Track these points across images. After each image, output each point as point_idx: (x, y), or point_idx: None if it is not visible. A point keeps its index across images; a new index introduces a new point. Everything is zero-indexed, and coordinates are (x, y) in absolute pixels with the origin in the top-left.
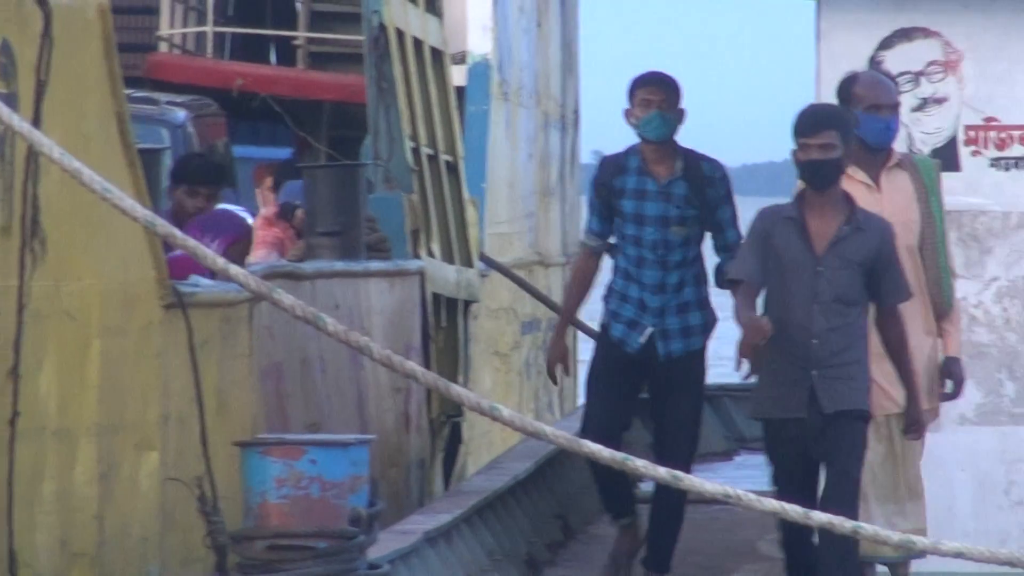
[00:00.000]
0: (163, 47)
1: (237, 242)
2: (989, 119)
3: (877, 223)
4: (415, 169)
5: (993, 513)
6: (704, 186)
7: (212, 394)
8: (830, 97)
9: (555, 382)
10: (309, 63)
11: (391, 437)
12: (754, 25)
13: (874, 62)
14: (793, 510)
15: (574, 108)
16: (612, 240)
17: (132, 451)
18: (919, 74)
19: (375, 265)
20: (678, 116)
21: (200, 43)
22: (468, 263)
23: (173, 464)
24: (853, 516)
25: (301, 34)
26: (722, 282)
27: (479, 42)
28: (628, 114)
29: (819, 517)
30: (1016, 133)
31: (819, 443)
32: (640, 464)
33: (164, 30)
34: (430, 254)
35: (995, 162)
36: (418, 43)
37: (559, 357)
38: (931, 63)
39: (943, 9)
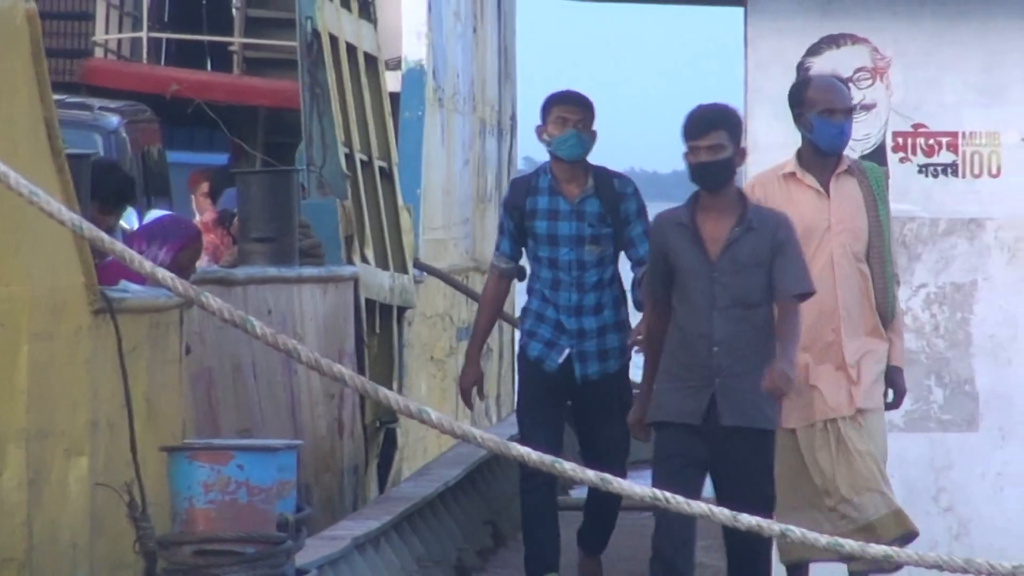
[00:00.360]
0: (98, 52)
1: (186, 248)
2: (917, 125)
3: (771, 219)
4: (349, 175)
5: (922, 519)
6: (617, 202)
7: (141, 400)
8: (760, 103)
9: (470, 407)
10: (244, 69)
11: (324, 443)
12: (685, 31)
13: (802, 68)
14: (721, 512)
15: (511, 114)
16: (522, 262)
17: (61, 457)
18: (847, 81)
19: (308, 271)
20: (592, 136)
21: (137, 49)
22: (403, 269)
23: (103, 470)
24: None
25: (236, 39)
26: (638, 302)
27: (414, 48)
28: (541, 132)
29: (747, 520)
30: (944, 139)
31: (715, 453)
32: (568, 467)
33: (99, 35)
34: (364, 260)
35: (923, 168)
36: (352, 49)
37: (473, 381)
38: (859, 70)
39: (871, 16)
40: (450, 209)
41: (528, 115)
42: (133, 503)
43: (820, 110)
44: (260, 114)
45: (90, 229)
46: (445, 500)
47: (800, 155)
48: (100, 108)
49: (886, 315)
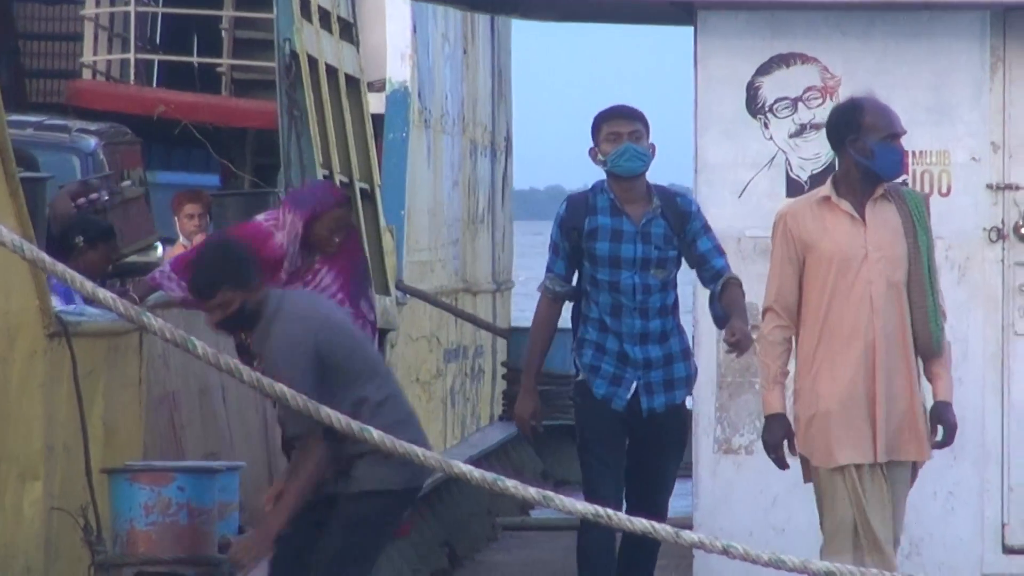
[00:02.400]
0: (87, 74)
1: (316, 217)
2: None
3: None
4: None
5: None
6: (683, 223)
7: (98, 423)
8: (709, 121)
9: (530, 438)
10: (233, 90)
11: None
12: (635, 50)
13: (752, 87)
14: (663, 529)
15: (505, 135)
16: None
17: (15, 481)
18: (797, 100)
19: None
20: (649, 150)
21: (127, 70)
22: (384, 291)
23: (59, 494)
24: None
25: (224, 61)
26: (719, 317)
27: (398, 70)
28: (594, 153)
29: (688, 536)
30: None
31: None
32: (510, 485)
33: (87, 57)
34: None
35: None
36: (333, 70)
37: (532, 411)
38: (809, 89)
39: (820, 35)
40: (437, 230)
41: (523, 136)
42: (88, 527)
43: (884, 136)
44: (248, 135)
45: (31, 250)
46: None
47: (836, 181)
48: (78, 130)
49: (929, 348)
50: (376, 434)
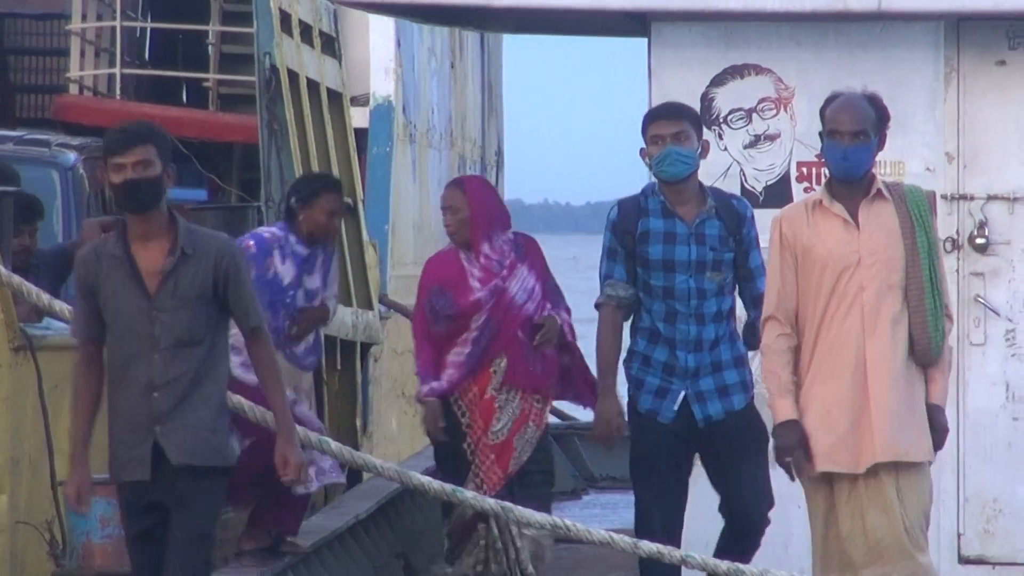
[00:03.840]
0: (73, 89)
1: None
2: (821, 155)
3: (209, 244)
4: None
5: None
6: (739, 224)
7: (64, 437)
8: None
9: (610, 444)
10: (219, 105)
11: None
12: (590, 63)
13: (706, 98)
14: (621, 540)
15: (496, 149)
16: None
17: None
18: (751, 111)
19: None
20: (697, 150)
21: (114, 85)
22: (367, 305)
23: (24, 507)
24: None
25: (211, 76)
26: (755, 343)
27: (382, 84)
28: (643, 154)
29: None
30: None
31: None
32: (469, 495)
33: (74, 72)
34: None
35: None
36: (314, 84)
37: (617, 411)
38: (763, 100)
39: (774, 46)
40: (423, 244)
41: (515, 150)
42: (54, 541)
43: (828, 131)
44: (236, 150)
45: None
46: (356, 533)
47: (829, 182)
48: (58, 144)
49: (927, 354)
50: (335, 445)
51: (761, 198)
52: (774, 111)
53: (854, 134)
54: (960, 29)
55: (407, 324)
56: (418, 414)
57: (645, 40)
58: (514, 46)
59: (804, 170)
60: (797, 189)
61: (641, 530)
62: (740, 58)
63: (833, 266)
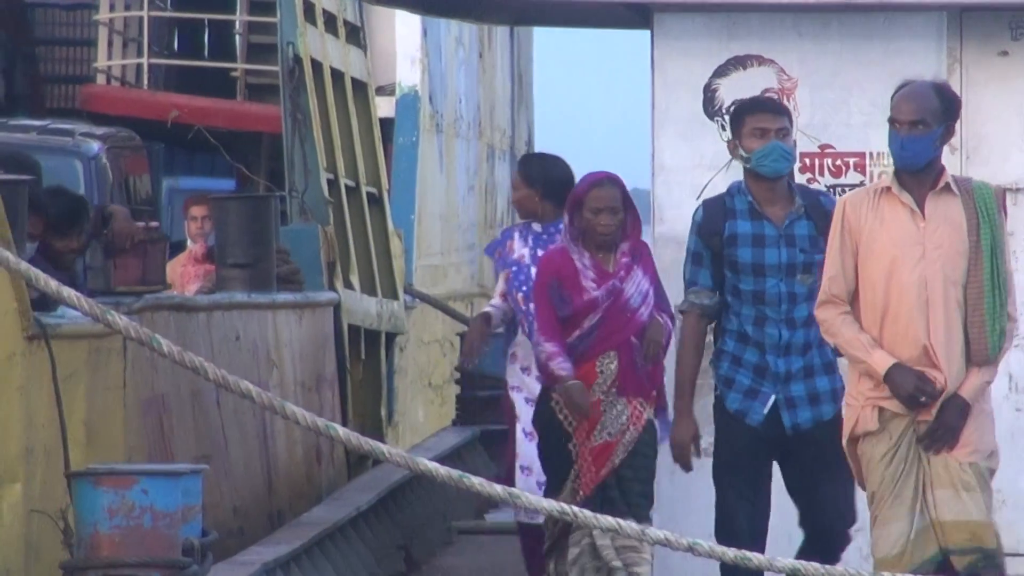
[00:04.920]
0: (101, 79)
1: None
2: (824, 146)
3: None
4: (331, 201)
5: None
6: (829, 223)
7: (79, 426)
8: (666, 123)
9: (687, 466)
10: (247, 95)
11: (299, 469)
12: (591, 52)
13: (709, 90)
14: (629, 527)
15: (527, 139)
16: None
17: None
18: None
19: (283, 297)
20: (794, 147)
21: (140, 75)
22: (392, 295)
23: (39, 496)
24: None
25: (238, 66)
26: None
27: (407, 74)
28: (733, 147)
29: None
30: (851, 160)
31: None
32: (476, 482)
33: (101, 62)
34: (349, 286)
35: (831, 189)
36: (339, 74)
37: (691, 435)
38: (766, 90)
39: (777, 37)
40: (450, 235)
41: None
42: (68, 529)
43: (889, 118)
44: (264, 139)
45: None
46: (357, 525)
47: (897, 171)
48: (82, 134)
49: (983, 354)
50: (342, 432)
51: None
52: None
53: (912, 123)
54: (963, 20)
55: (433, 313)
56: (445, 403)
57: (648, 32)
58: (546, 38)
59: (807, 161)
60: (800, 179)
61: (723, 532)
62: (743, 49)
63: (897, 256)
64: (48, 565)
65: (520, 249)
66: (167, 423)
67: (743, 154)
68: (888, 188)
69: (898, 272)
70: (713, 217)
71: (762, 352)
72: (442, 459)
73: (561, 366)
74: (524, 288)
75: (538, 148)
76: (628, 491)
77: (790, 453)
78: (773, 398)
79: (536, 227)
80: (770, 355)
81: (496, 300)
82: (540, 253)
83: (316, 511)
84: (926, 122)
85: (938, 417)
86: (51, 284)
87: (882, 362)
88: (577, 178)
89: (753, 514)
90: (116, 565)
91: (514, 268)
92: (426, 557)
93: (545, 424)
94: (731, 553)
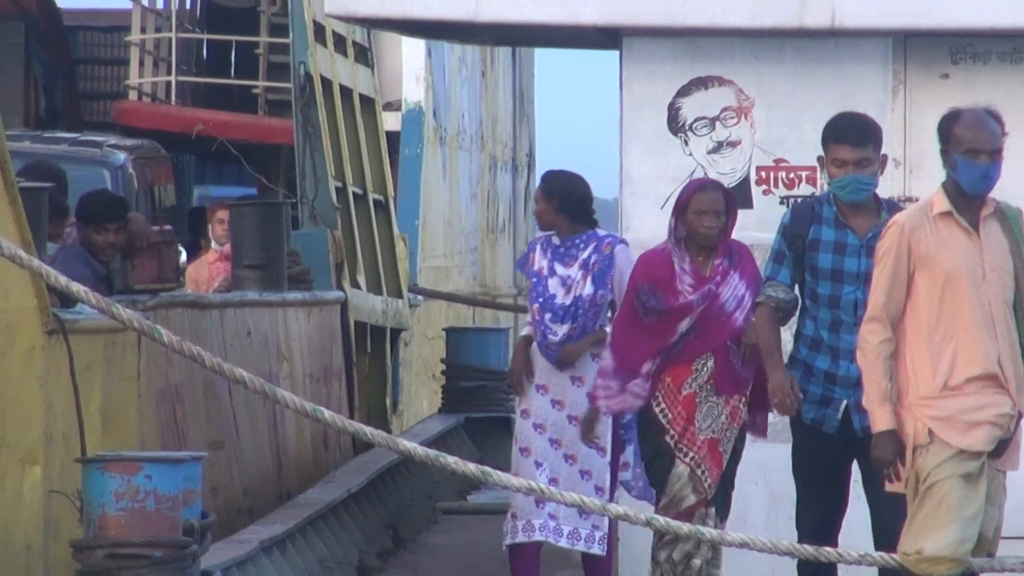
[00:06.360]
0: (132, 95)
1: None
2: (779, 160)
3: None
4: (339, 207)
5: (784, 523)
6: None
7: (96, 414)
8: (634, 140)
9: (791, 413)
10: (267, 110)
11: (308, 454)
12: (564, 72)
13: (673, 108)
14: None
15: (528, 151)
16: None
17: (15, 466)
18: (714, 119)
19: (292, 295)
20: (876, 173)
21: (170, 91)
22: (397, 293)
23: (57, 478)
24: None
25: (259, 83)
26: None
27: (413, 90)
28: (821, 163)
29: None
30: (803, 173)
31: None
32: (451, 460)
33: (133, 80)
34: (356, 285)
35: (784, 200)
36: (347, 91)
37: (791, 381)
38: (725, 109)
39: (736, 59)
40: (453, 239)
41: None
42: (84, 509)
43: (965, 150)
44: (283, 151)
45: (8, 248)
46: (348, 505)
47: (948, 193)
48: (109, 146)
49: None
50: (328, 414)
51: None
52: (735, 119)
53: (992, 152)
54: (907, 45)
55: (438, 310)
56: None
57: (617, 53)
58: (547, 58)
59: (763, 174)
60: (756, 191)
61: (799, 531)
62: (704, 71)
63: (961, 278)
64: (65, 543)
65: (540, 261)
66: (180, 411)
67: (827, 176)
68: (948, 213)
69: (960, 290)
70: (800, 220)
71: (834, 358)
72: (428, 444)
73: (606, 393)
74: (540, 300)
75: (539, 160)
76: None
77: (864, 454)
78: (845, 403)
79: (555, 240)
80: (843, 360)
81: (530, 316)
82: (558, 266)
83: (311, 492)
84: (1001, 150)
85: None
86: (61, 280)
87: (882, 422)
88: (593, 193)
89: (824, 517)
90: (122, 544)
91: (534, 279)
92: (412, 535)
93: (643, 419)
94: (685, 527)
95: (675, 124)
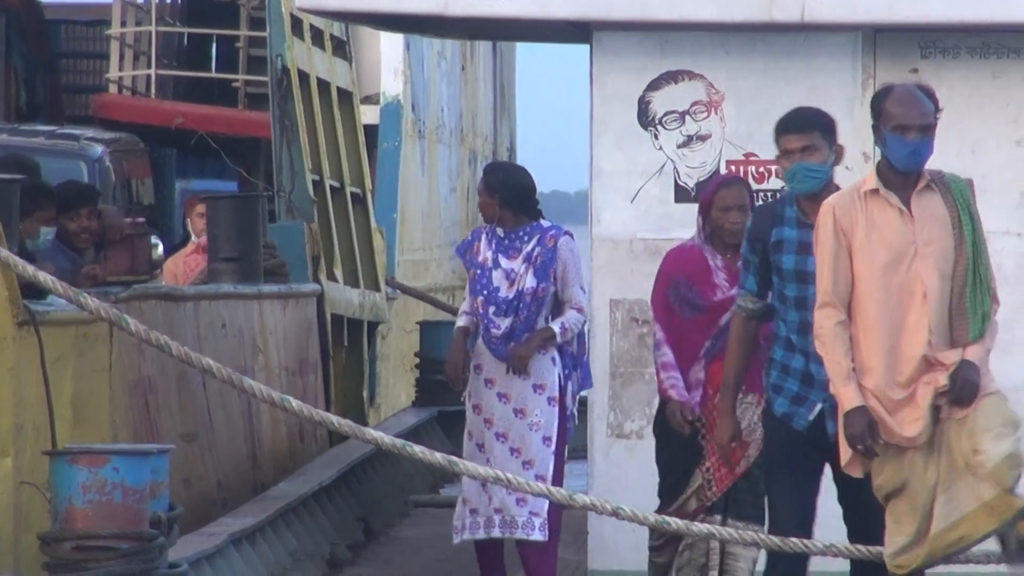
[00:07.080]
0: (112, 88)
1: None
2: (748, 154)
3: None
4: (316, 200)
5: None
6: None
7: (67, 405)
8: (604, 133)
9: (732, 466)
10: (247, 103)
11: (283, 446)
12: (535, 65)
13: (643, 102)
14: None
15: (508, 145)
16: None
17: None
18: (684, 113)
19: (268, 288)
20: (828, 159)
21: (150, 85)
22: (374, 287)
23: (28, 470)
24: None
25: (238, 76)
26: None
27: (391, 84)
28: (778, 160)
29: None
30: (773, 167)
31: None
32: (417, 450)
33: (113, 73)
34: (332, 278)
35: (754, 194)
36: (324, 84)
37: (731, 435)
38: (695, 103)
39: (706, 54)
40: (432, 232)
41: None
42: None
43: (894, 125)
44: (262, 145)
45: None
46: (319, 498)
47: (880, 171)
48: (87, 139)
49: (963, 338)
50: (295, 404)
51: (693, 193)
52: (705, 114)
53: (923, 128)
54: (876, 39)
55: (415, 304)
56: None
57: (587, 47)
58: (528, 53)
59: (733, 167)
60: None
61: (774, 527)
62: (674, 65)
63: (892, 256)
64: (35, 534)
65: (484, 252)
66: (153, 403)
67: (779, 171)
68: (875, 190)
69: (894, 268)
70: (761, 223)
71: (807, 359)
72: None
73: (670, 383)
74: (484, 292)
75: (520, 153)
76: (756, 490)
77: (834, 459)
78: (820, 406)
79: (500, 232)
80: (813, 363)
81: (467, 306)
82: (502, 258)
83: (282, 485)
84: (932, 126)
85: (953, 376)
86: (28, 269)
87: (848, 400)
88: (538, 187)
89: (801, 510)
90: (89, 536)
91: (478, 271)
92: (384, 528)
93: (663, 426)
94: (651, 518)
95: (645, 118)
